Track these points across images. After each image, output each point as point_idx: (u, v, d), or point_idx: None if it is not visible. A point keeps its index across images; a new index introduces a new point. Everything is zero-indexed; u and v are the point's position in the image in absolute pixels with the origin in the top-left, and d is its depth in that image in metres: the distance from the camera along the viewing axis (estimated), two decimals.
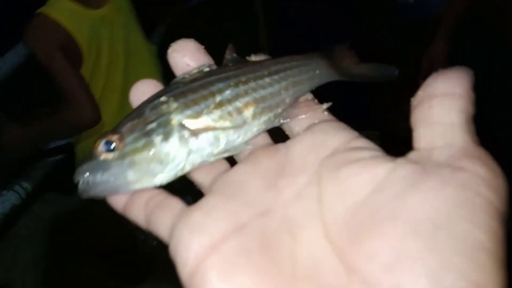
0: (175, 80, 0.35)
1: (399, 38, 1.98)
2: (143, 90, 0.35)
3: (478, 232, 0.23)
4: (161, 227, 0.31)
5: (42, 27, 1.31)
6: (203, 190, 0.33)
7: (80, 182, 0.34)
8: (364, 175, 0.28)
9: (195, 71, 0.35)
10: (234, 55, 0.38)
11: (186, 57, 0.36)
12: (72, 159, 1.87)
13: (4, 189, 1.69)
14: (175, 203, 0.32)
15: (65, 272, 1.69)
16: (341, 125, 0.33)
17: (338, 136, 0.32)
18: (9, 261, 1.77)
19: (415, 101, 0.29)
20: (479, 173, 0.25)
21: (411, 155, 0.28)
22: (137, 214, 0.33)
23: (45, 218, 1.87)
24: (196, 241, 0.28)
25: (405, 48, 1.93)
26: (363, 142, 0.31)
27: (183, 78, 0.35)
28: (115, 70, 1.49)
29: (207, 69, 0.35)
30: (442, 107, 0.27)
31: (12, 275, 1.73)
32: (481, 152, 0.26)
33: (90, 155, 0.34)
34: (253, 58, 0.38)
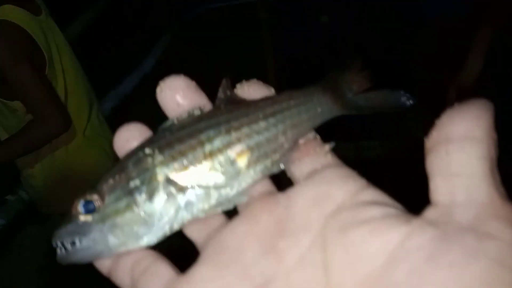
0: (163, 126, 0.32)
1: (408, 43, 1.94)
2: (127, 137, 0.32)
3: None
4: None
5: (7, 34, 1.26)
6: (197, 247, 0.31)
7: (58, 248, 0.31)
8: (376, 243, 0.24)
9: (184, 115, 0.32)
10: (228, 92, 0.34)
11: (176, 95, 0.32)
12: None
13: (8, 195, 1.69)
14: (163, 271, 0.29)
15: (68, 284, 1.68)
16: (346, 172, 0.29)
17: (344, 187, 0.28)
18: (13, 271, 1.76)
19: (429, 143, 0.25)
20: (509, 240, 0.21)
21: (429, 213, 0.24)
22: (123, 280, 0.30)
23: (49, 228, 1.88)
24: None
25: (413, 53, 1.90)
26: (372, 194, 0.27)
27: (172, 124, 0.32)
28: (68, 72, 1.49)
29: (197, 112, 0.32)
30: (460, 154, 0.23)
31: (15, 285, 1.72)
32: (509, 210, 0.23)
33: (69, 216, 0.31)
34: (246, 88, 0.34)
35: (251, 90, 0.34)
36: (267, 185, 0.33)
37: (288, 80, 1.96)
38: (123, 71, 2.58)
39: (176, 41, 2.93)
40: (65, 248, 0.31)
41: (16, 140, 1.36)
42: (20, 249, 1.79)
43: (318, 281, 0.25)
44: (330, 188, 0.28)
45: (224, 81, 0.34)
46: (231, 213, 0.32)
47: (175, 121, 0.32)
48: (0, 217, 1.69)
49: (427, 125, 0.26)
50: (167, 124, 0.32)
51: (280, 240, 0.28)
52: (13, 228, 1.70)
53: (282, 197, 0.30)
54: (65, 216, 0.31)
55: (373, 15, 2.25)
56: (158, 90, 0.32)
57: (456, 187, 0.23)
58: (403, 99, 0.34)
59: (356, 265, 0.24)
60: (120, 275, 0.30)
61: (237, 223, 0.30)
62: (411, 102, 0.34)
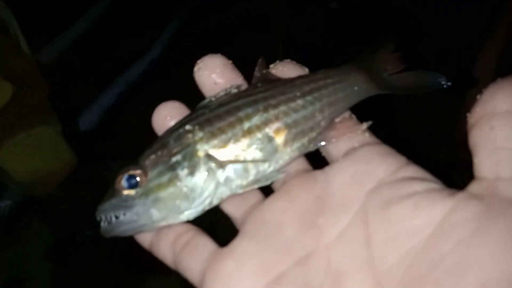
0: (201, 104, 0.33)
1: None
2: (166, 114, 0.33)
3: None
4: (190, 272, 0.29)
5: None
6: (235, 223, 0.31)
7: (102, 221, 0.32)
8: (420, 217, 0.24)
9: (222, 93, 0.33)
10: (264, 71, 0.34)
11: (213, 74, 0.32)
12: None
13: None
14: (204, 244, 0.30)
15: (76, 266, 1.71)
16: (385, 150, 0.29)
17: (384, 164, 0.28)
18: (21, 253, 1.79)
19: (472, 119, 0.25)
20: None
21: (473, 187, 0.24)
22: (165, 253, 0.30)
23: (57, 211, 1.90)
24: None
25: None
26: (412, 170, 0.27)
27: (210, 101, 0.33)
28: None
29: (235, 91, 0.32)
30: (505, 129, 0.23)
31: (23, 267, 1.75)
32: None
33: (112, 191, 0.31)
34: (280, 67, 0.35)
35: (285, 69, 0.34)
36: (303, 163, 0.33)
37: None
38: (130, 57, 2.57)
39: (184, 27, 2.91)
40: (109, 222, 0.31)
41: (12, 110, 1.39)
42: (29, 231, 1.82)
43: (360, 256, 0.25)
44: (369, 166, 0.28)
45: (260, 60, 0.35)
46: (266, 191, 0.32)
47: (213, 99, 0.33)
48: (5, 198, 1.71)
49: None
50: (205, 102, 0.33)
51: (320, 217, 0.28)
52: (20, 210, 1.72)
53: (320, 175, 0.30)
54: (108, 190, 0.32)
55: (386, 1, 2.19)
56: (195, 68, 0.33)
57: (501, 161, 0.23)
58: (440, 80, 0.34)
59: (400, 239, 0.24)
60: (162, 249, 0.31)
61: (276, 199, 0.30)
62: (447, 83, 0.34)
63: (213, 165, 0.31)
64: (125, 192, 0.31)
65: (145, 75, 2.52)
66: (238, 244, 0.28)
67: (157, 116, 0.33)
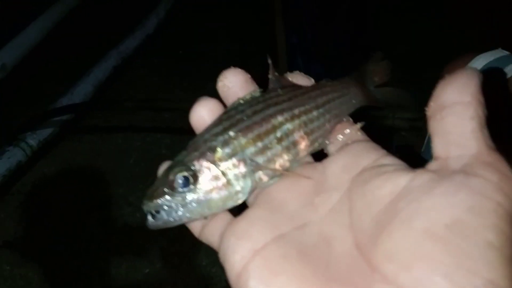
0: (232, 106, 0.38)
1: None
2: (203, 113, 0.38)
3: (487, 233, 0.24)
4: (212, 238, 0.35)
5: None
6: (247, 203, 0.37)
7: (150, 215, 0.35)
8: (387, 187, 0.30)
9: (248, 96, 0.37)
10: (277, 74, 0.39)
11: (235, 88, 0.38)
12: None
13: (10, 145, 1.72)
14: (223, 215, 0.36)
15: (69, 228, 1.74)
16: (371, 145, 0.36)
17: (368, 156, 0.35)
18: (15, 216, 1.82)
19: (428, 112, 0.31)
20: (491, 179, 0.26)
21: (430, 165, 0.30)
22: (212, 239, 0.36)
23: (49, 175, 1.92)
24: (242, 246, 0.32)
25: None
26: (389, 159, 0.34)
27: (239, 104, 0.37)
28: None
29: (257, 95, 0.38)
30: (452, 117, 0.29)
31: (17, 230, 1.78)
32: (494, 158, 0.27)
33: (162, 188, 0.35)
34: (289, 78, 0.40)
35: (294, 80, 0.41)
36: (307, 157, 0.39)
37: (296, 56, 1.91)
38: (125, 30, 2.55)
39: (180, 1, 2.88)
40: (157, 217, 0.35)
41: None
42: (21, 195, 1.85)
43: (343, 223, 0.32)
44: (357, 158, 0.35)
45: (270, 63, 0.40)
46: None
47: (241, 101, 0.38)
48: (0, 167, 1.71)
49: None
50: (234, 104, 0.38)
51: (316, 196, 0.35)
52: (14, 175, 1.73)
53: (319, 165, 0.37)
54: (158, 188, 0.35)
55: None
56: (219, 84, 0.38)
57: (450, 143, 0.29)
58: (407, 96, 0.41)
59: (372, 205, 0.30)
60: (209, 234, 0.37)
61: (282, 182, 0.37)
62: (414, 100, 0.40)
63: (253, 167, 0.36)
64: (177, 190, 0.35)
65: (139, 49, 2.51)
66: (249, 212, 0.35)
67: (195, 114, 0.38)
